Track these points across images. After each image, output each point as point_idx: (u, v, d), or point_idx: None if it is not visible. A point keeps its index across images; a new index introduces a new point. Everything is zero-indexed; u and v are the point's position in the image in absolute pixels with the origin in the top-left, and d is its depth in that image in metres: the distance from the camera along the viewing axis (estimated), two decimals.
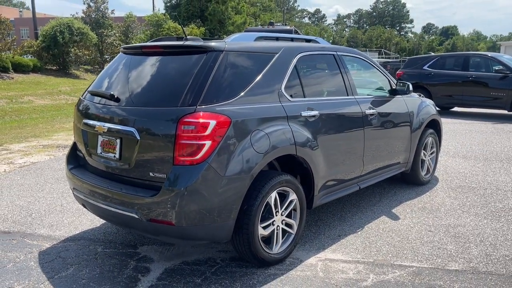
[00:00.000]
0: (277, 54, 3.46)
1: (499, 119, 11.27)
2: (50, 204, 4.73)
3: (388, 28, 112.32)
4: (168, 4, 37.05)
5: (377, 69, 4.74)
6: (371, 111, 4.24)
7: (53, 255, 3.49)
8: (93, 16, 29.80)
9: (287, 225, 3.42)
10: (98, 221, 4.18)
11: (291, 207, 3.42)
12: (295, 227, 3.48)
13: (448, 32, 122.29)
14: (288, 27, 23.05)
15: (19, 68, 22.75)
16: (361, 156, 4.15)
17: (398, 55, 64.98)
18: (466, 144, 7.98)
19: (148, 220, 2.88)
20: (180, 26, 30.50)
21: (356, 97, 4.14)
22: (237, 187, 2.93)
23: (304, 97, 3.61)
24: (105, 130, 3.13)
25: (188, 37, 3.48)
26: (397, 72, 13.43)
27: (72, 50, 25.48)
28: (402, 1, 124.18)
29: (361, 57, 4.60)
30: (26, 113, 14.42)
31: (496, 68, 11.10)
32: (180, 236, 2.95)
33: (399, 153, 4.81)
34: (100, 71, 28.04)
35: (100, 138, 3.24)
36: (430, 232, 3.98)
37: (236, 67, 3.14)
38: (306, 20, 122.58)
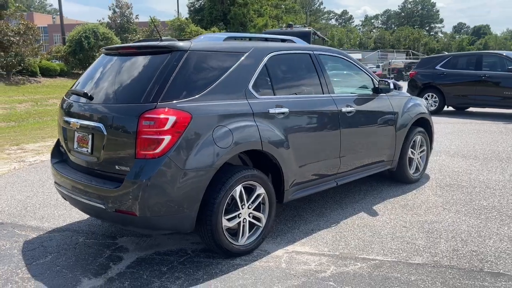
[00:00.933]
0: (246, 54, 3.60)
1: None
2: (46, 198, 5.00)
3: (417, 28, 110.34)
4: (191, 9, 37.71)
5: (360, 68, 4.81)
6: (349, 109, 4.31)
7: (36, 244, 3.73)
8: (118, 21, 30.65)
9: (255, 218, 3.55)
10: (86, 214, 4.41)
11: (259, 200, 3.55)
12: (264, 221, 3.60)
13: (480, 32, 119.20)
14: (306, 29, 23.13)
15: (47, 72, 23.60)
16: (337, 153, 4.24)
17: (426, 56, 63.76)
18: (469, 143, 7.89)
19: (114, 211, 3.07)
20: (202, 30, 31.03)
21: (332, 95, 4.23)
22: (198, 180, 3.08)
23: (274, 95, 3.73)
24: (78, 126, 3.36)
25: (163, 38, 3.66)
26: (410, 72, 13.32)
27: (97, 54, 26.21)
28: (432, 1, 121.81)
29: (342, 57, 4.69)
30: (49, 115, 15.00)
31: (510, 67, 10.87)
32: (145, 226, 3.12)
33: (383, 151, 4.86)
34: None
35: (76, 134, 3.46)
36: (404, 228, 4.03)
37: (201, 66, 3.30)
38: (333, 21, 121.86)
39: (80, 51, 25.50)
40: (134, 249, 3.65)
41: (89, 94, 3.40)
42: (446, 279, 3.09)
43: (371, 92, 4.80)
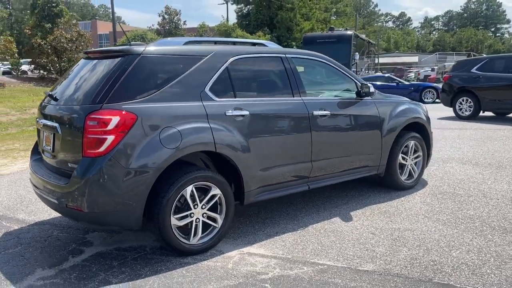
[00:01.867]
0: (206, 58, 3.68)
1: None
2: None
3: (481, 30, 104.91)
4: (239, 14, 38.28)
5: (341, 72, 4.74)
6: (322, 112, 4.27)
7: (14, 235, 4.02)
8: (167, 27, 31.74)
9: (210, 218, 3.62)
10: None
11: (214, 201, 3.61)
12: (220, 221, 3.66)
13: None
14: (347, 32, 22.81)
15: None
16: (308, 157, 4.21)
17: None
18: (490, 151, 7.47)
19: (65, 206, 3.26)
20: (248, 34, 31.41)
21: (304, 98, 4.21)
22: (142, 179, 3.20)
23: (235, 97, 3.78)
24: (42, 126, 3.59)
25: (132, 42, 3.83)
26: (444, 75, 12.79)
27: None
28: (498, 1, 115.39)
29: (323, 60, 4.65)
30: None
31: None
32: (93, 221, 3.29)
33: (366, 156, 4.76)
34: None
35: (44, 133, 3.70)
36: (371, 235, 3.93)
37: (152, 69, 3.42)
38: (390, 24, 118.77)
39: None
40: (99, 244, 3.83)
41: (54, 96, 3.63)
42: (386, 286, 3.00)
43: (353, 96, 4.71)
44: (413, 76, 38.03)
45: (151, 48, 3.51)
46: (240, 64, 3.91)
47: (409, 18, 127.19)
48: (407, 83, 20.33)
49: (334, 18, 45.21)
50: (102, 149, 3.11)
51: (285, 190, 4.16)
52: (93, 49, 3.88)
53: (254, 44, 4.33)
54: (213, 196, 3.60)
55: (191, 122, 3.43)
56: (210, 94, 3.61)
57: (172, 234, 3.39)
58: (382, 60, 60.17)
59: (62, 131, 3.33)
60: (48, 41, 20.91)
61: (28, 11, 25.51)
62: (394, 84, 18.74)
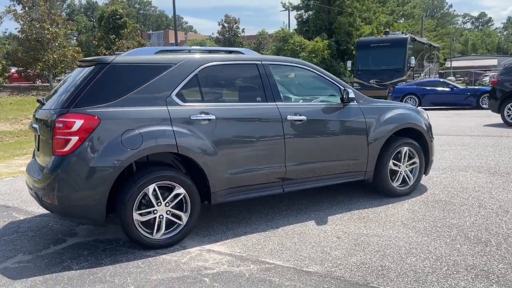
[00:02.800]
0: (174, 66, 3.95)
1: None
2: None
3: None
4: (299, 20, 38.41)
5: (326, 78, 4.79)
6: (297, 117, 4.37)
7: (15, 224, 4.54)
8: (226, 35, 32.66)
9: (175, 215, 3.87)
10: None
11: (178, 200, 3.85)
12: (185, 219, 3.90)
13: None
14: (402, 36, 22.18)
15: None
16: (281, 161, 4.32)
17: None
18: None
19: (41, 199, 3.67)
20: (305, 41, 31.42)
21: (278, 103, 4.34)
22: (103, 176, 3.53)
23: (203, 102, 4.01)
24: (30, 128, 4.05)
25: (123, 52, 4.20)
26: (492, 80, 12.09)
27: None
28: None
29: (304, 67, 4.74)
30: None
31: None
32: (63, 214, 3.67)
33: (349, 161, 4.76)
34: None
35: (36, 135, 4.17)
36: (335, 238, 3.97)
37: (120, 77, 3.75)
38: (469, 25, 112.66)
39: None
40: (83, 235, 4.23)
41: (42, 101, 4.08)
42: (317, 286, 3.07)
43: (336, 102, 4.75)
44: (488, 80, 35.84)
45: (120, 58, 3.85)
46: (210, 71, 4.13)
47: (490, 18, 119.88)
48: (462, 87, 19.32)
49: (400, 22, 43.87)
50: (67, 148, 3.48)
51: (257, 192, 4.30)
52: (82, 58, 4.29)
53: (230, 52, 4.53)
54: (177, 195, 3.84)
55: (153, 125, 3.71)
56: (176, 99, 3.87)
57: (135, 229, 3.68)
58: (456, 63, 57.24)
59: (41, 133, 3.76)
60: (111, 51, 22.39)
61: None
62: (449, 89, 17.91)
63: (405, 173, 5.18)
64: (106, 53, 22.70)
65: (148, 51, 4.15)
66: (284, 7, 41.52)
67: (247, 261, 3.54)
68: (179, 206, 3.89)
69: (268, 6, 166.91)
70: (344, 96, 4.65)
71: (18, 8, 19.55)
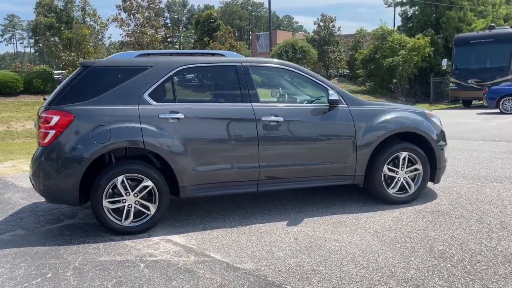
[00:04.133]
0: (149, 68, 4.29)
1: None
2: None
3: None
4: (403, 16, 36.53)
5: (313, 80, 4.75)
6: (273, 118, 4.42)
7: (35, 205, 5.27)
8: (322, 35, 32.34)
9: (143, 206, 4.21)
10: None
11: (147, 191, 4.19)
12: (153, 210, 4.22)
13: None
14: (509, 30, 20.12)
15: None
16: (255, 161, 4.41)
17: None
18: None
19: (33, 184, 4.26)
20: (406, 38, 29.89)
21: (254, 104, 4.44)
22: (74, 166, 3.99)
23: (175, 102, 4.29)
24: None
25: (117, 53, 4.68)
26: None
27: None
28: None
29: (290, 68, 4.76)
30: None
31: None
32: (46, 197, 4.21)
33: (334, 165, 4.67)
34: None
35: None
36: (292, 240, 3.97)
37: (98, 78, 4.19)
38: None
39: None
40: (79, 217, 4.78)
41: (44, 98, 4.69)
42: (232, 282, 3.17)
43: (322, 104, 4.67)
44: None
45: (101, 61, 4.30)
46: (186, 73, 4.40)
47: None
48: None
49: None
50: (46, 140, 4.02)
51: (229, 189, 4.47)
52: (79, 61, 4.85)
53: (212, 54, 4.73)
54: (146, 187, 4.17)
55: (122, 122, 4.09)
56: (148, 99, 4.21)
57: (104, 215, 4.09)
58: None
59: (36, 127, 4.36)
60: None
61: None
62: None
63: (404, 180, 4.90)
64: None
65: (130, 55, 4.54)
66: (386, 4, 39.90)
67: (191, 253, 3.74)
68: (148, 197, 4.22)
69: (372, 4, 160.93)
70: (329, 98, 4.58)
71: (124, 16, 21.80)
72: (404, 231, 4.09)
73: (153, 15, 22.33)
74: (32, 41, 45.11)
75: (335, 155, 4.67)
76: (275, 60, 4.87)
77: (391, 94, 32.47)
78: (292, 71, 4.77)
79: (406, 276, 3.21)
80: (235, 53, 4.79)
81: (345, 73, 36.13)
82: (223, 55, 4.70)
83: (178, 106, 4.27)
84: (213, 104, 4.44)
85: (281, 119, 4.45)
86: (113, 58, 4.54)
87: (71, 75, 4.31)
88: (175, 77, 4.34)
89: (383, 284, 3.12)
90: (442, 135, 5.08)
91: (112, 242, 4.02)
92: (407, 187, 4.92)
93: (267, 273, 3.31)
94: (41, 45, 42.30)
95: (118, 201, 4.14)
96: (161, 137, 4.15)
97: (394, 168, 4.85)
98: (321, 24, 32.57)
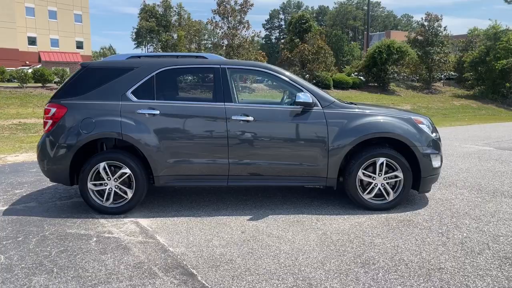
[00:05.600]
0: (135, 69, 4.83)
1: None
2: None
3: None
4: None
5: (291, 82, 4.87)
6: (243, 117, 4.68)
7: (57, 186, 6.15)
8: (426, 35, 30.58)
9: (122, 190, 4.77)
10: None
11: (125, 177, 4.74)
12: (130, 194, 4.76)
13: None
14: None
15: (340, 85, 26.80)
16: (224, 156, 4.72)
17: None
18: None
19: (39, 167, 5.08)
20: None
21: (226, 104, 4.74)
22: (65, 151, 4.69)
23: (154, 99, 4.78)
24: None
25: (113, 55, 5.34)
26: None
27: (389, 67, 27.45)
28: None
29: (268, 71, 4.94)
30: None
31: None
32: (49, 177, 4.97)
33: (306, 166, 4.76)
34: (426, 87, 28.83)
35: None
36: (239, 233, 4.20)
37: (91, 77, 4.84)
38: None
39: (373, 65, 27.45)
40: (71, 195, 5.52)
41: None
42: (150, 260, 3.55)
43: (296, 106, 4.77)
44: None
45: (96, 62, 4.95)
46: (167, 74, 4.84)
47: None
48: None
49: None
50: (46, 128, 4.78)
51: (201, 182, 4.84)
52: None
53: (196, 56, 5.10)
54: (124, 173, 4.73)
55: (106, 116, 4.69)
56: (130, 96, 4.75)
57: (88, 195, 4.74)
58: None
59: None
60: (294, 54, 24.13)
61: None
62: None
63: (382, 186, 4.80)
64: (289, 56, 24.59)
65: (122, 57, 5.11)
66: (506, 1, 36.26)
67: (143, 234, 4.19)
68: (126, 183, 4.77)
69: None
70: (298, 100, 4.67)
71: (218, 18, 23.15)
72: (352, 236, 4.08)
73: (244, 17, 23.31)
74: (135, 43, 50.53)
75: (306, 157, 4.75)
76: (256, 62, 5.09)
77: (503, 100, 29.58)
78: (270, 73, 4.95)
79: (309, 276, 3.30)
80: (217, 55, 5.11)
81: (451, 76, 33.70)
82: (205, 58, 5.06)
83: (156, 103, 4.74)
84: (188, 103, 4.83)
85: (251, 118, 4.69)
86: (106, 59, 5.18)
87: (72, 73, 5.04)
88: (157, 77, 4.81)
89: (280, 279, 3.25)
90: (431, 143, 4.85)
91: (90, 219, 4.64)
92: (385, 194, 4.80)
93: (187, 258, 3.62)
94: (143, 47, 46.85)
95: (101, 184, 4.75)
96: (138, 130, 4.66)
97: (371, 174, 4.77)
98: (425, 23, 30.80)
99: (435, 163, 4.87)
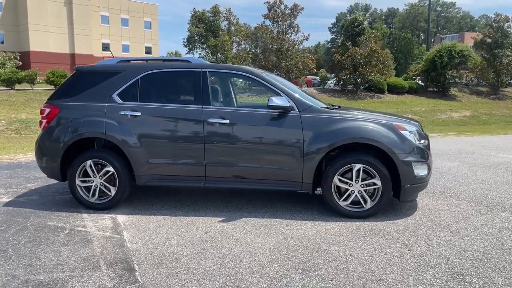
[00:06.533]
0: (121, 72, 5.08)
1: None
2: None
3: None
4: None
5: (270, 86, 4.86)
6: (219, 120, 4.76)
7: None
8: (495, 37, 28.66)
9: (106, 187, 5.04)
10: None
11: (109, 175, 5.00)
12: (113, 192, 5.01)
13: None
14: None
15: (394, 89, 25.91)
16: (201, 159, 4.83)
17: None
18: None
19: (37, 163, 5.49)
20: None
21: (204, 106, 4.84)
22: (56, 148, 5.03)
23: (138, 101, 4.99)
24: None
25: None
26: None
27: (449, 72, 26.09)
28: None
29: (248, 74, 4.99)
30: None
31: None
32: (45, 173, 5.35)
33: (280, 171, 4.74)
34: (493, 92, 27.07)
35: None
36: (202, 233, 4.29)
37: (82, 79, 5.16)
38: None
39: (433, 69, 26.21)
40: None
41: None
42: (103, 253, 3.74)
43: (273, 110, 4.75)
44: None
45: (88, 66, 5.27)
46: (150, 77, 5.03)
47: None
48: None
49: None
50: (42, 127, 5.17)
51: (179, 182, 4.98)
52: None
53: (181, 60, 5.24)
54: (108, 172, 4.99)
55: (92, 116, 4.98)
56: (116, 98, 5.01)
57: (77, 191, 5.05)
58: None
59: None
60: (345, 57, 23.66)
61: None
62: None
63: (359, 193, 4.65)
64: (341, 59, 24.15)
65: (113, 61, 5.37)
66: None
67: (112, 230, 4.40)
68: (112, 181, 5.02)
69: None
70: (274, 104, 4.66)
71: (268, 23, 23.30)
72: (311, 243, 4.02)
73: (294, 21, 23.28)
74: (186, 49, 54.38)
75: (281, 161, 4.73)
76: (236, 66, 5.14)
77: None
78: (249, 77, 4.99)
79: (242, 278, 3.33)
80: (201, 59, 5.23)
81: None
82: (189, 62, 5.19)
83: (138, 105, 4.96)
84: (168, 105, 4.98)
85: (227, 121, 4.75)
86: (98, 63, 5.47)
87: (68, 77, 5.40)
88: (141, 81, 5.02)
89: (212, 280, 3.30)
90: (414, 151, 4.63)
91: (75, 214, 4.93)
92: (362, 202, 4.66)
93: (138, 254, 3.77)
94: (194, 52, 49.43)
95: (87, 181, 5.04)
96: (120, 130, 4.90)
97: (348, 180, 4.65)
98: (494, 24, 28.91)
99: (419, 171, 4.64)
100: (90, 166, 5.00)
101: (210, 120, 4.78)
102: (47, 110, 5.14)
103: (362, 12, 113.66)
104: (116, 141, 4.92)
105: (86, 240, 4.09)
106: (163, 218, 4.76)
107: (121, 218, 4.77)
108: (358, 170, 4.61)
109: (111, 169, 4.96)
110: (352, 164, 4.61)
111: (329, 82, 29.07)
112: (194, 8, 31.51)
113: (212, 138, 4.78)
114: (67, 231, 4.34)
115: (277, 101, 4.64)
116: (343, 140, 4.61)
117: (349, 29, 26.07)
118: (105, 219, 4.74)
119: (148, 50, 64.79)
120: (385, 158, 4.64)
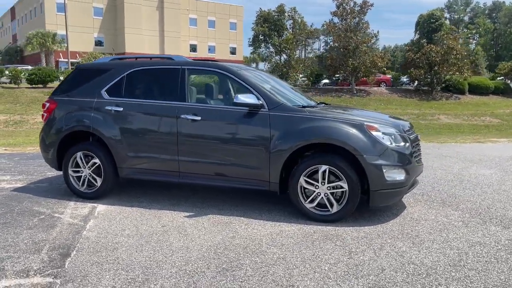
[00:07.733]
0: (110, 70, 5.35)
1: None
2: None
3: None
4: None
5: (243, 83, 4.81)
6: (191, 117, 4.83)
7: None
8: None
9: (93, 178, 5.35)
10: None
11: (95, 167, 5.30)
12: (99, 182, 5.31)
13: None
14: None
15: (477, 90, 23.89)
16: (175, 154, 4.93)
17: None
18: None
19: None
20: None
21: (178, 103, 4.93)
22: (52, 140, 5.45)
23: (123, 97, 5.23)
24: None
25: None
26: None
27: None
28: None
29: (223, 71, 4.97)
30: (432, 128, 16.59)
31: None
32: (46, 162, 5.81)
33: (248, 169, 4.68)
34: None
35: None
36: (159, 227, 4.40)
37: (79, 76, 5.52)
38: None
39: None
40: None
41: None
42: (56, 237, 4.01)
43: (243, 107, 4.69)
44: None
45: (85, 63, 5.61)
46: (135, 74, 5.24)
47: None
48: None
49: None
50: (43, 120, 5.63)
51: (156, 177, 5.13)
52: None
53: (167, 58, 5.34)
54: (95, 163, 5.30)
55: (82, 111, 5.31)
56: (104, 94, 5.29)
57: (69, 180, 5.43)
58: None
59: None
60: (419, 55, 22.26)
61: None
62: None
63: (326, 196, 4.44)
64: (414, 57, 22.79)
65: (106, 59, 5.65)
66: None
67: (82, 218, 4.66)
68: (98, 172, 5.31)
69: None
70: (241, 101, 4.61)
71: (336, 20, 22.66)
72: (255, 243, 3.93)
73: (364, 18, 22.43)
74: (251, 48, 56.03)
75: (248, 159, 4.67)
76: (213, 63, 5.13)
77: None
78: (224, 74, 4.97)
79: (157, 272, 3.37)
80: (183, 57, 5.30)
81: None
82: (172, 59, 5.29)
83: (121, 101, 5.19)
84: (147, 101, 5.14)
85: (198, 118, 4.80)
86: (94, 61, 5.79)
87: (69, 73, 5.80)
88: (127, 77, 5.25)
89: (128, 271, 3.38)
90: (387, 154, 4.31)
91: (64, 201, 5.31)
92: (328, 205, 4.43)
93: (85, 242, 3.97)
94: (259, 51, 50.36)
95: (78, 171, 5.39)
96: (104, 125, 5.17)
97: (314, 182, 4.46)
98: None
99: (391, 176, 4.30)
100: (80, 158, 5.34)
101: (183, 116, 4.85)
102: (47, 104, 5.58)
103: (462, 7, 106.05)
104: (101, 134, 5.20)
105: (51, 226, 4.39)
106: (137, 210, 4.93)
107: (100, 208, 5.03)
108: (324, 172, 4.39)
109: (97, 161, 5.25)
110: (318, 165, 4.41)
111: (405, 80, 27.62)
112: (260, 8, 32.18)
113: (185, 134, 4.86)
114: (42, 216, 4.69)
115: (243, 98, 4.58)
116: (308, 139, 4.43)
117: (425, 25, 24.54)
118: (86, 208, 5.03)
119: (233, 51, 66.70)
120: (355, 160, 4.36)
